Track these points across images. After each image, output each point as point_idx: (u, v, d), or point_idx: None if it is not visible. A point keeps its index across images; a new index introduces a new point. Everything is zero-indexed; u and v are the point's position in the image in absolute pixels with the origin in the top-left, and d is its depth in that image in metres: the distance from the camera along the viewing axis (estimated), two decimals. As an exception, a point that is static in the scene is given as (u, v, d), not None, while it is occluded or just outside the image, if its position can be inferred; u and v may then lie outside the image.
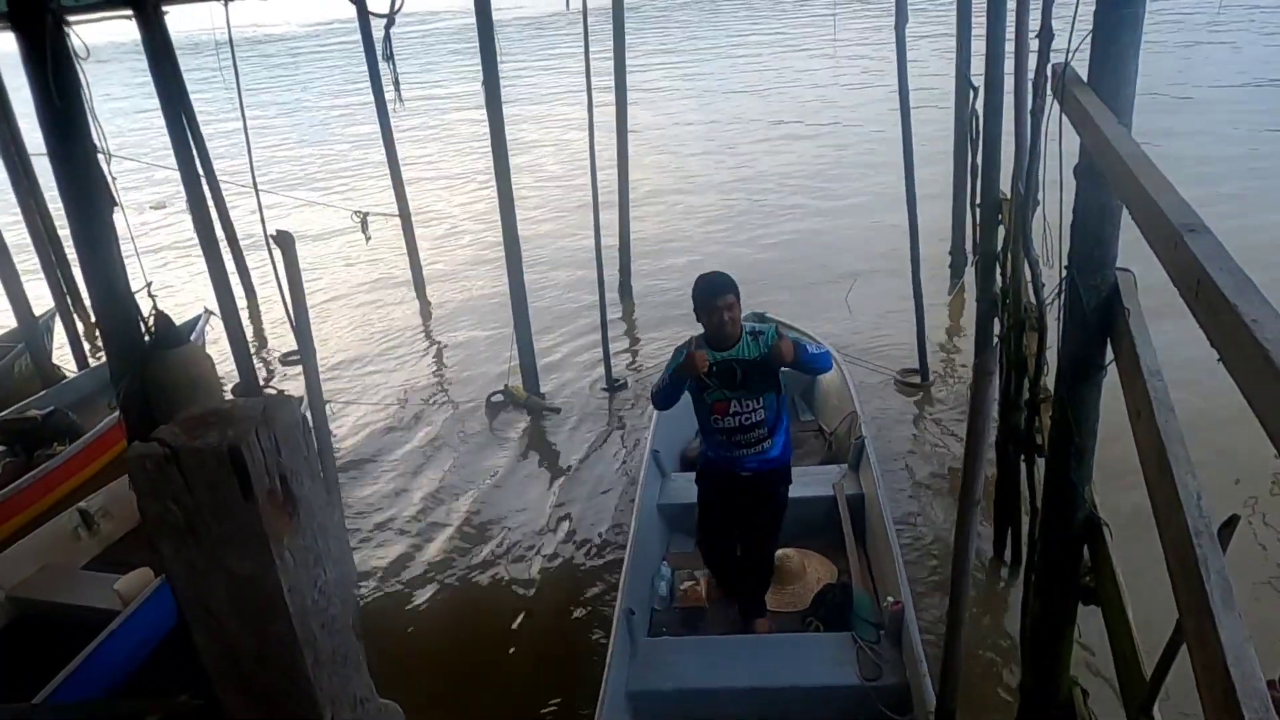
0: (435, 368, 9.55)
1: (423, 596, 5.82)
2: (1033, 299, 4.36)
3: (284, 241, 4.03)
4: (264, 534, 0.70)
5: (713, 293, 4.12)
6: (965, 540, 2.67)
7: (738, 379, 4.15)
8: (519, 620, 5.51)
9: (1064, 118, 2.73)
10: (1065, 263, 2.66)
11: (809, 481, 4.48)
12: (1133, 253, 2.39)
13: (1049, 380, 4.17)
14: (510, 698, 4.90)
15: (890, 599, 4.41)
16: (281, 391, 9.10)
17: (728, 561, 4.81)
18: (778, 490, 4.51)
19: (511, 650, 5.28)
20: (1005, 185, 5.91)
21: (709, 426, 4.33)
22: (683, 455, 6.24)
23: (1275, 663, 1.76)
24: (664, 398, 4.31)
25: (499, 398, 8.27)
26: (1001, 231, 6.02)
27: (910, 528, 5.89)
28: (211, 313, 8.12)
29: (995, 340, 5.57)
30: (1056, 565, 2.90)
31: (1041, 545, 3.00)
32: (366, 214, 8.78)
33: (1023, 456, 4.48)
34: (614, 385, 8.37)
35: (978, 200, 6.55)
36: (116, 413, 7.26)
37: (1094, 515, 2.77)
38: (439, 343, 10.14)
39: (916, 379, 7.89)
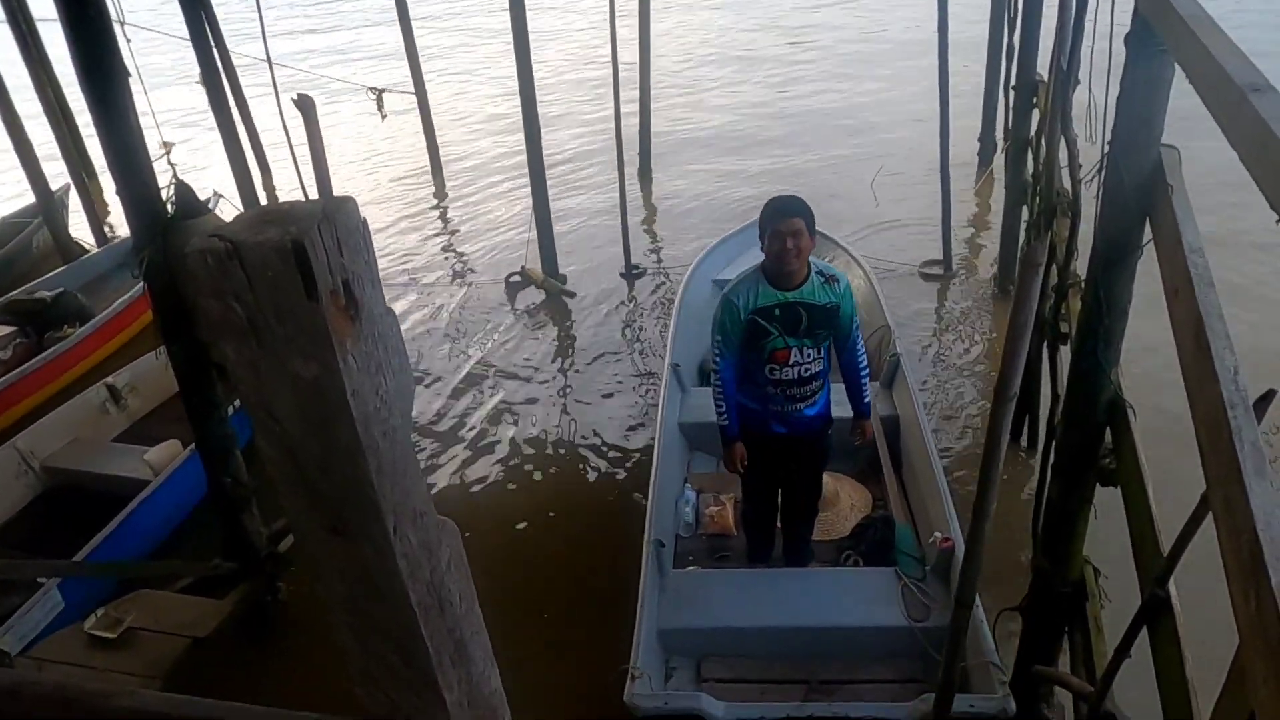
0: (452, 247, 9.53)
1: (429, 479, 5.91)
2: (1065, 183, 4.27)
3: (305, 105, 3.94)
4: (328, 335, 0.69)
5: (779, 213, 3.52)
6: (997, 434, 2.66)
7: (802, 324, 3.63)
8: (522, 514, 5.51)
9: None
10: (1108, 139, 2.59)
11: (839, 400, 3.99)
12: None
13: (1078, 266, 4.12)
14: (519, 592, 4.82)
15: (938, 535, 4.11)
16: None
17: (768, 532, 4.44)
18: (822, 442, 4.08)
19: (520, 541, 5.29)
20: (1043, 69, 5.73)
21: (760, 378, 3.76)
22: (701, 368, 5.99)
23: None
24: (725, 363, 3.76)
25: (517, 278, 8.27)
26: (1035, 116, 5.87)
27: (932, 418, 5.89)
28: (221, 195, 8.03)
29: (1023, 228, 5.48)
30: (1078, 447, 2.91)
31: (1063, 428, 3.00)
32: (382, 90, 8.57)
33: (1045, 343, 4.46)
34: (632, 271, 8.33)
35: (1013, 83, 6.37)
36: (130, 293, 7.34)
37: (1119, 397, 2.76)
38: (456, 222, 10.08)
39: (939, 269, 7.81)
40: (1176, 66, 2.12)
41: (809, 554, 4.48)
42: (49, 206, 8.94)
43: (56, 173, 9.44)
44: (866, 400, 4.00)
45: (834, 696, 3.71)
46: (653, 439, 5.21)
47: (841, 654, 3.90)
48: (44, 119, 9.30)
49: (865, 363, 3.95)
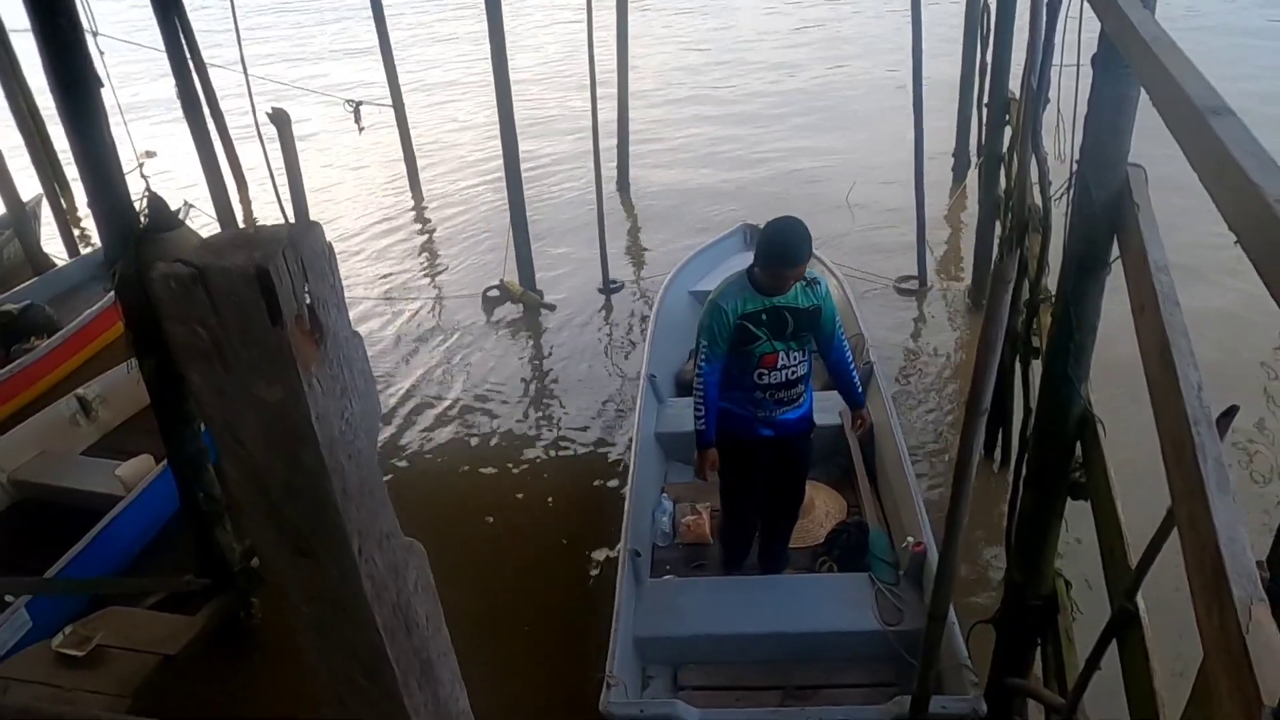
0: (430, 259, 9.51)
1: (406, 493, 5.84)
2: (1038, 199, 4.31)
3: (280, 120, 3.93)
4: (292, 360, 0.70)
5: (791, 259, 3.56)
6: (969, 448, 2.69)
7: (788, 328, 3.72)
8: (505, 528, 5.49)
9: (1082, 8, 2.66)
10: (1077, 158, 2.62)
11: (821, 408, 4.07)
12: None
13: (1049, 281, 4.16)
14: (491, 608, 4.77)
15: (911, 539, 4.19)
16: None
17: (746, 540, 4.46)
18: (806, 446, 4.16)
19: (498, 558, 5.23)
20: (1015, 86, 5.80)
21: (748, 383, 3.80)
22: (677, 379, 6.00)
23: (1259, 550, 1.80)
24: (710, 368, 3.76)
25: (495, 292, 8.25)
26: (1008, 132, 5.94)
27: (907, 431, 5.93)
28: (191, 205, 7.96)
29: (996, 243, 5.54)
30: (1049, 461, 2.94)
31: (1034, 442, 3.03)
32: (360, 103, 8.55)
33: (1018, 358, 4.50)
34: (610, 286, 8.33)
35: (986, 100, 6.45)
36: (99, 304, 7.26)
37: (1089, 412, 2.79)
38: (433, 235, 10.07)
39: (914, 283, 7.88)
40: (1141, 87, 2.15)
41: (784, 560, 4.52)
42: (20, 217, 8.83)
43: (22, 166, 9.32)
44: (860, 391, 4.14)
45: (809, 701, 3.76)
46: (629, 450, 5.22)
47: (817, 659, 3.96)
48: (15, 129, 9.21)
49: (851, 358, 4.07)
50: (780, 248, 3.58)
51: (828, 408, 5.14)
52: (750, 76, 15.31)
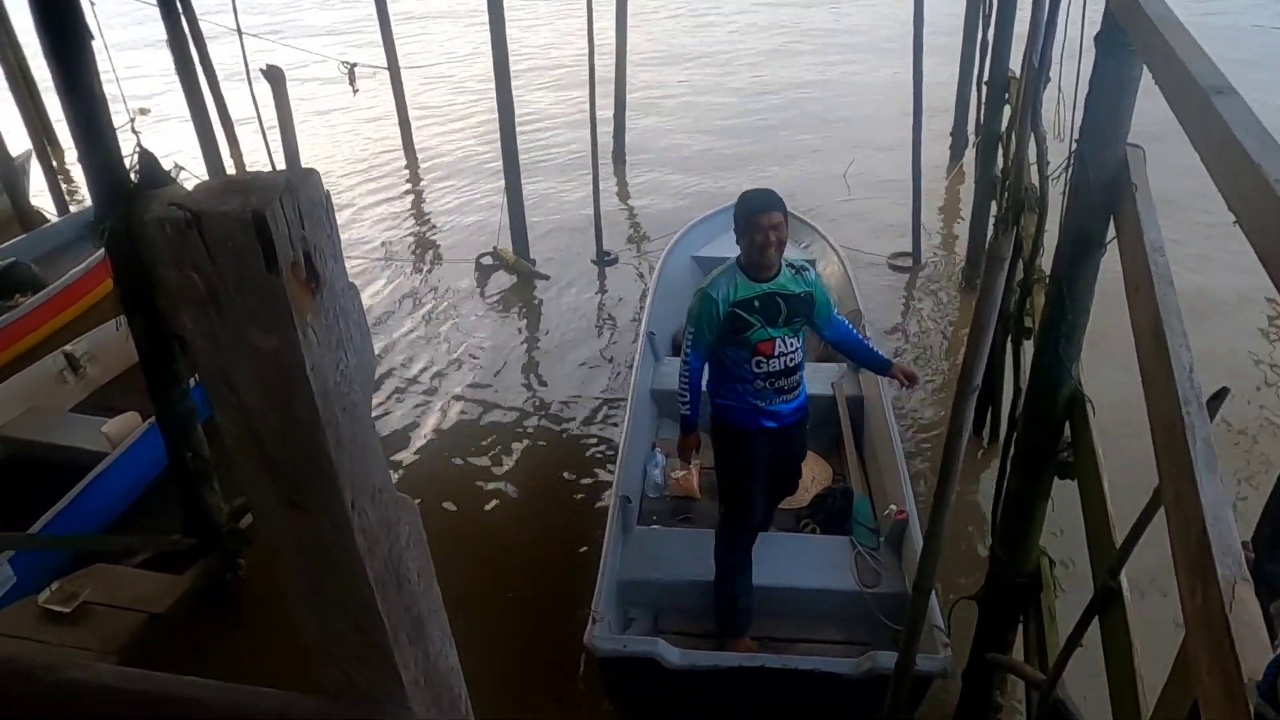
0: (423, 226, 9.46)
1: (400, 458, 5.87)
2: (1035, 178, 4.30)
3: (274, 76, 3.88)
4: (288, 308, 0.69)
5: (759, 208, 3.59)
6: (959, 425, 2.69)
7: (781, 315, 3.69)
8: (496, 492, 5.52)
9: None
10: (1076, 137, 2.61)
11: (807, 378, 4.05)
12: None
13: (1043, 261, 4.17)
14: (488, 571, 4.82)
15: (894, 507, 4.30)
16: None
17: (745, 543, 4.06)
18: (804, 436, 4.14)
19: (489, 521, 5.27)
20: (1015, 65, 5.77)
21: (746, 373, 3.74)
22: (674, 340, 6.08)
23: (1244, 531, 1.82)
24: (695, 355, 3.75)
25: (488, 259, 8.22)
26: (1007, 111, 5.91)
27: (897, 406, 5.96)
28: (181, 168, 7.87)
29: (992, 222, 5.53)
30: (1038, 440, 2.95)
31: (1024, 421, 3.04)
32: (355, 65, 8.46)
33: (1009, 337, 4.51)
34: (604, 258, 8.31)
35: (986, 78, 6.42)
36: (86, 261, 7.20)
37: (1079, 391, 2.80)
38: (427, 200, 10.01)
39: (908, 260, 7.87)
40: (1144, 67, 2.14)
41: (769, 519, 4.54)
42: (9, 173, 8.74)
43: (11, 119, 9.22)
44: (879, 354, 4.05)
45: (785, 652, 3.84)
46: (620, 418, 5.31)
47: (793, 614, 4.08)
48: (4, 83, 9.09)
49: (856, 331, 4.11)
50: (749, 199, 3.65)
51: (820, 379, 5.28)
52: (752, 50, 15.20)
